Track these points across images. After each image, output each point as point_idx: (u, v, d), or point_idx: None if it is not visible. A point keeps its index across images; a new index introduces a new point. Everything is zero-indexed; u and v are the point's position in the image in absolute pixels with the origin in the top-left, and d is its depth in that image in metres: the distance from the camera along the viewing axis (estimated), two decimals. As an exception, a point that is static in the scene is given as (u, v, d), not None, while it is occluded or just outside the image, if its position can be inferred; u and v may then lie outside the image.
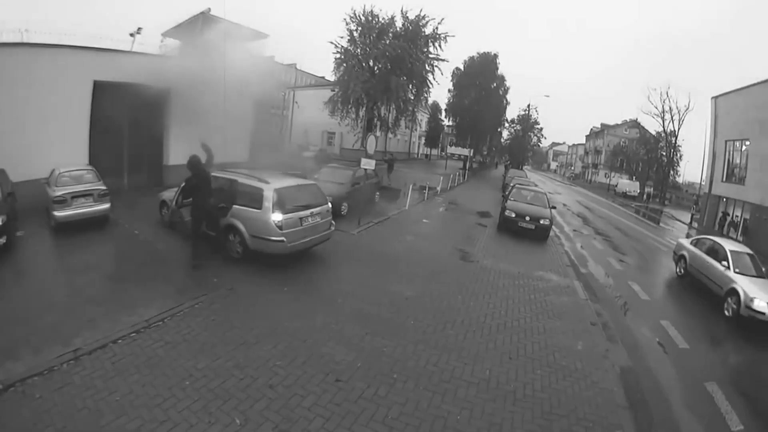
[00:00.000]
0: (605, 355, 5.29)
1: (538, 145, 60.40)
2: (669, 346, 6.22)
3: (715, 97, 24.95)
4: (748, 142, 21.41)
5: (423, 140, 52.12)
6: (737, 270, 8.19)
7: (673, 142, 41.09)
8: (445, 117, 43.50)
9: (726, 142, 23.62)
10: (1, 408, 3.14)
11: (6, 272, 5.67)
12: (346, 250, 8.25)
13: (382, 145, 31.86)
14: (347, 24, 21.67)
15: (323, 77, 32.88)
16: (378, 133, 24.20)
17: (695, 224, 26.21)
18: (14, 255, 6.23)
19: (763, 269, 8.41)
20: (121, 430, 3.05)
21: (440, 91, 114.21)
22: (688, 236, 16.26)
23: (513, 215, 11.98)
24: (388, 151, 28.48)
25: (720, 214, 23.44)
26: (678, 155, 42.77)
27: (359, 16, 21.53)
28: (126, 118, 11.32)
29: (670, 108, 39.66)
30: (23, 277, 5.66)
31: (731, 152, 23.29)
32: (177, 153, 12.77)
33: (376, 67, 21.74)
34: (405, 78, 21.77)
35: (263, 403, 3.52)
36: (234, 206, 6.70)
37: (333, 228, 7.74)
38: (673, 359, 5.83)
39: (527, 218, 11.79)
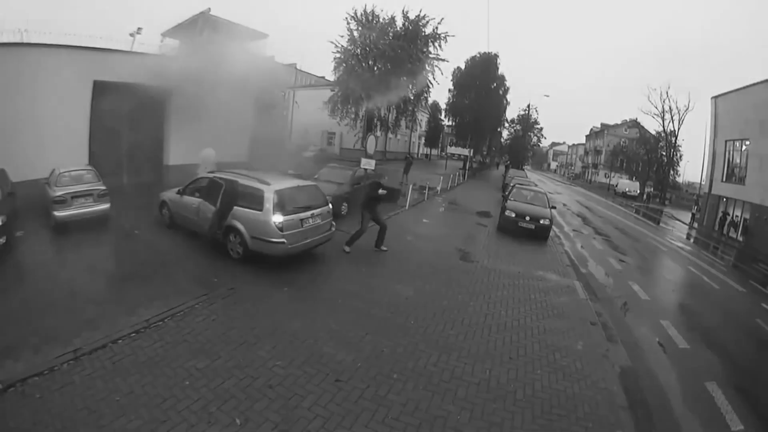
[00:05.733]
0: (605, 355, 5.29)
1: (538, 145, 60.43)
2: (669, 346, 6.22)
3: (715, 97, 24.98)
4: (748, 142, 21.43)
5: (423, 140, 52.08)
6: None
7: (673, 141, 41.17)
8: (445, 117, 43.44)
9: (726, 141, 23.65)
10: (1, 408, 3.14)
11: (6, 272, 5.67)
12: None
13: (382, 145, 31.88)
14: (348, 23, 21.71)
15: (323, 77, 32.86)
16: (378, 133, 24.23)
17: (695, 224, 26.23)
18: (14, 255, 6.22)
19: None
20: (121, 430, 3.05)
21: (440, 91, 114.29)
22: (688, 237, 16.28)
23: (513, 215, 11.97)
24: (408, 153, 28.95)
25: (720, 214, 23.47)
26: (678, 155, 42.87)
27: (360, 16, 21.57)
28: (126, 118, 11.32)
29: (669, 108, 39.84)
30: (23, 277, 5.66)
31: (731, 152, 23.33)
32: (177, 153, 12.80)
33: (376, 67, 21.75)
34: (405, 78, 21.80)
35: (263, 403, 3.52)
36: (235, 207, 6.70)
37: (333, 229, 7.73)
38: (673, 359, 5.83)
39: (527, 218, 11.79)
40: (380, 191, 8.20)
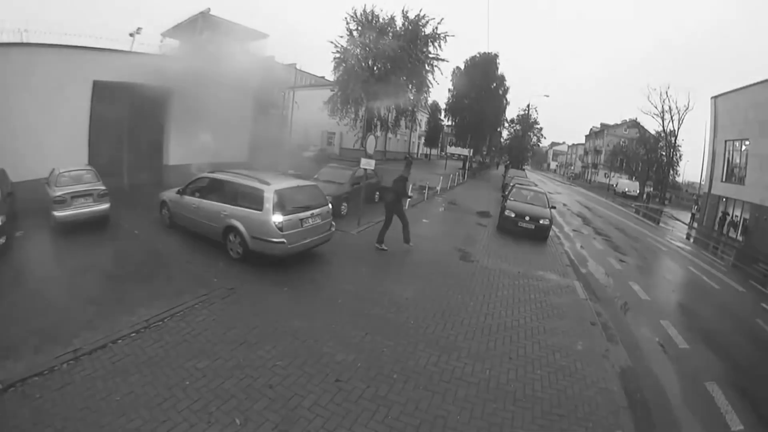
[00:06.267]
0: (605, 355, 5.29)
1: (538, 145, 60.34)
2: (669, 346, 6.22)
3: (715, 97, 24.98)
4: (747, 142, 21.44)
5: (423, 140, 52.10)
6: None
7: (673, 141, 41.12)
8: (445, 117, 43.43)
9: (726, 141, 23.66)
10: (1, 408, 3.14)
11: (6, 272, 5.67)
12: (346, 250, 8.24)
13: (382, 145, 31.89)
14: (347, 23, 21.70)
15: (323, 77, 32.88)
16: (378, 133, 24.24)
17: (695, 224, 26.23)
18: (14, 255, 6.23)
19: None
20: (121, 430, 3.05)
21: (440, 91, 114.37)
22: (688, 237, 16.27)
23: (513, 215, 11.96)
24: (408, 153, 28.94)
25: (720, 214, 23.48)
26: (678, 155, 42.79)
27: (360, 16, 21.56)
28: (126, 118, 11.31)
29: (669, 108, 39.74)
30: (23, 277, 5.65)
31: (731, 152, 23.34)
32: (177, 153, 12.80)
33: (375, 67, 21.74)
34: (405, 78, 21.79)
35: (263, 403, 3.53)
36: (235, 207, 6.71)
37: (333, 229, 7.74)
38: (673, 359, 5.83)
39: (527, 218, 11.79)
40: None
